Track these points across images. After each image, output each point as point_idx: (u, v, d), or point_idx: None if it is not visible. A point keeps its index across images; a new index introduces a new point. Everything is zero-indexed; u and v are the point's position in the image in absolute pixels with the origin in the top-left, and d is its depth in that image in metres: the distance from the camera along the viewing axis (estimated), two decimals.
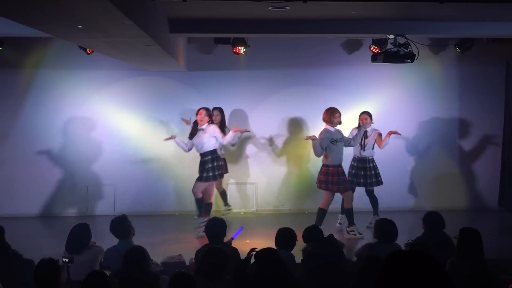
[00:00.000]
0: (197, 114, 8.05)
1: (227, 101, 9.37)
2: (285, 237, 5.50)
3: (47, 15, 3.98)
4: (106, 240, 5.79)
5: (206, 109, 8.08)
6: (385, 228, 5.55)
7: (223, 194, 8.98)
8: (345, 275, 4.64)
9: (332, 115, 7.78)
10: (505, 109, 9.76)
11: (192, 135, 8.06)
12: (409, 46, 7.19)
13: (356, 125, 8.49)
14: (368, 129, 8.38)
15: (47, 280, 4.19)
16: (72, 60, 9.05)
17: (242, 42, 8.42)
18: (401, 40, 7.22)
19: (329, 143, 7.66)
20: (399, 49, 7.19)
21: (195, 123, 8.10)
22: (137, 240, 5.59)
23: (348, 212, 7.89)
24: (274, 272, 4.28)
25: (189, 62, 9.25)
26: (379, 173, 8.45)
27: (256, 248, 4.69)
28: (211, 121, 8.06)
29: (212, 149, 7.97)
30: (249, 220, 8.97)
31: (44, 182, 9.33)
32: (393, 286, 1.84)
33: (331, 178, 7.69)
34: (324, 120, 7.87)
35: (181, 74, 9.33)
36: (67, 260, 4.67)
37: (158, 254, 6.27)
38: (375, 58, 7.80)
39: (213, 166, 7.96)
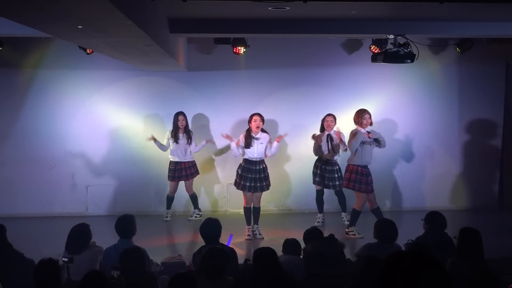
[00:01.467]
0: (250, 121, 7.82)
1: (227, 101, 9.38)
2: (291, 247, 5.49)
3: (47, 15, 3.98)
4: (106, 240, 5.79)
5: (260, 115, 7.87)
6: (385, 228, 5.56)
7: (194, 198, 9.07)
8: (345, 275, 4.64)
9: (361, 116, 7.82)
10: (504, 109, 9.75)
11: (247, 144, 7.76)
12: (409, 46, 7.18)
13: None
14: (332, 133, 8.33)
15: (47, 280, 4.19)
16: (72, 60, 9.05)
17: (242, 42, 8.42)
18: (401, 40, 7.21)
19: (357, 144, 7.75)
20: (399, 49, 7.18)
21: (249, 131, 7.84)
22: (136, 240, 5.60)
23: (354, 213, 7.89)
24: (271, 271, 4.29)
25: (189, 62, 9.25)
26: (342, 176, 8.34)
27: (249, 260, 4.69)
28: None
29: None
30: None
31: (44, 182, 9.33)
32: (393, 287, 1.84)
33: (348, 175, 7.79)
34: (355, 121, 7.94)
35: (181, 74, 9.33)
36: (66, 259, 4.67)
37: (158, 254, 6.27)
38: (375, 58, 7.80)
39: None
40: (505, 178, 9.77)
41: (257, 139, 7.82)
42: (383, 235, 5.51)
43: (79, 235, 5.38)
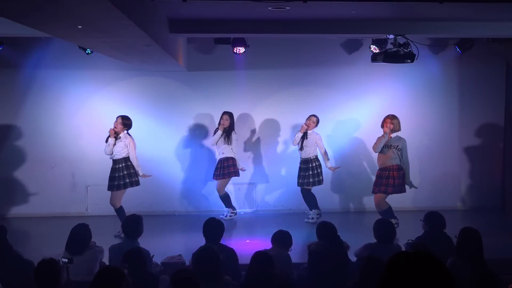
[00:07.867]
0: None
1: (227, 101, 9.36)
2: (281, 239, 5.52)
3: (47, 16, 3.98)
4: (106, 240, 5.79)
5: (123, 117, 8.04)
6: (382, 228, 5.60)
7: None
8: (345, 274, 4.65)
9: (383, 123, 8.10)
10: (505, 109, 9.73)
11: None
12: (409, 46, 7.19)
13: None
14: (309, 132, 8.55)
15: (48, 280, 4.20)
16: (72, 60, 9.04)
17: (242, 42, 8.42)
18: (401, 40, 7.22)
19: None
20: (399, 49, 7.19)
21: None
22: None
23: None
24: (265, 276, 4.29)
25: (189, 62, 9.25)
26: (320, 172, 8.64)
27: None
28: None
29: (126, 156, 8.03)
30: (249, 220, 8.97)
31: (44, 182, 9.32)
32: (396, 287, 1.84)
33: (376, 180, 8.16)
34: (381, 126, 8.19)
35: (181, 74, 9.33)
36: (66, 260, 4.67)
37: (158, 254, 6.26)
38: (375, 58, 7.80)
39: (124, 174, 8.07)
40: (506, 178, 9.69)
41: (118, 138, 8.01)
42: (380, 235, 5.53)
43: (79, 235, 5.38)
